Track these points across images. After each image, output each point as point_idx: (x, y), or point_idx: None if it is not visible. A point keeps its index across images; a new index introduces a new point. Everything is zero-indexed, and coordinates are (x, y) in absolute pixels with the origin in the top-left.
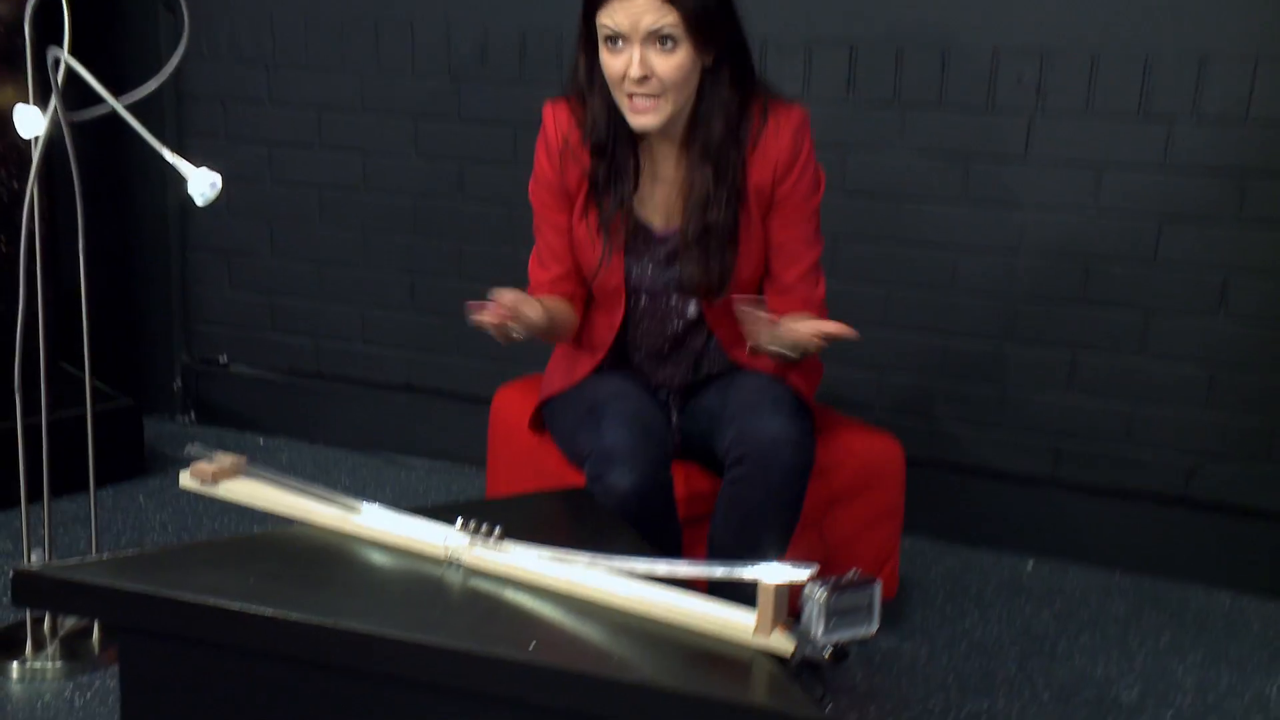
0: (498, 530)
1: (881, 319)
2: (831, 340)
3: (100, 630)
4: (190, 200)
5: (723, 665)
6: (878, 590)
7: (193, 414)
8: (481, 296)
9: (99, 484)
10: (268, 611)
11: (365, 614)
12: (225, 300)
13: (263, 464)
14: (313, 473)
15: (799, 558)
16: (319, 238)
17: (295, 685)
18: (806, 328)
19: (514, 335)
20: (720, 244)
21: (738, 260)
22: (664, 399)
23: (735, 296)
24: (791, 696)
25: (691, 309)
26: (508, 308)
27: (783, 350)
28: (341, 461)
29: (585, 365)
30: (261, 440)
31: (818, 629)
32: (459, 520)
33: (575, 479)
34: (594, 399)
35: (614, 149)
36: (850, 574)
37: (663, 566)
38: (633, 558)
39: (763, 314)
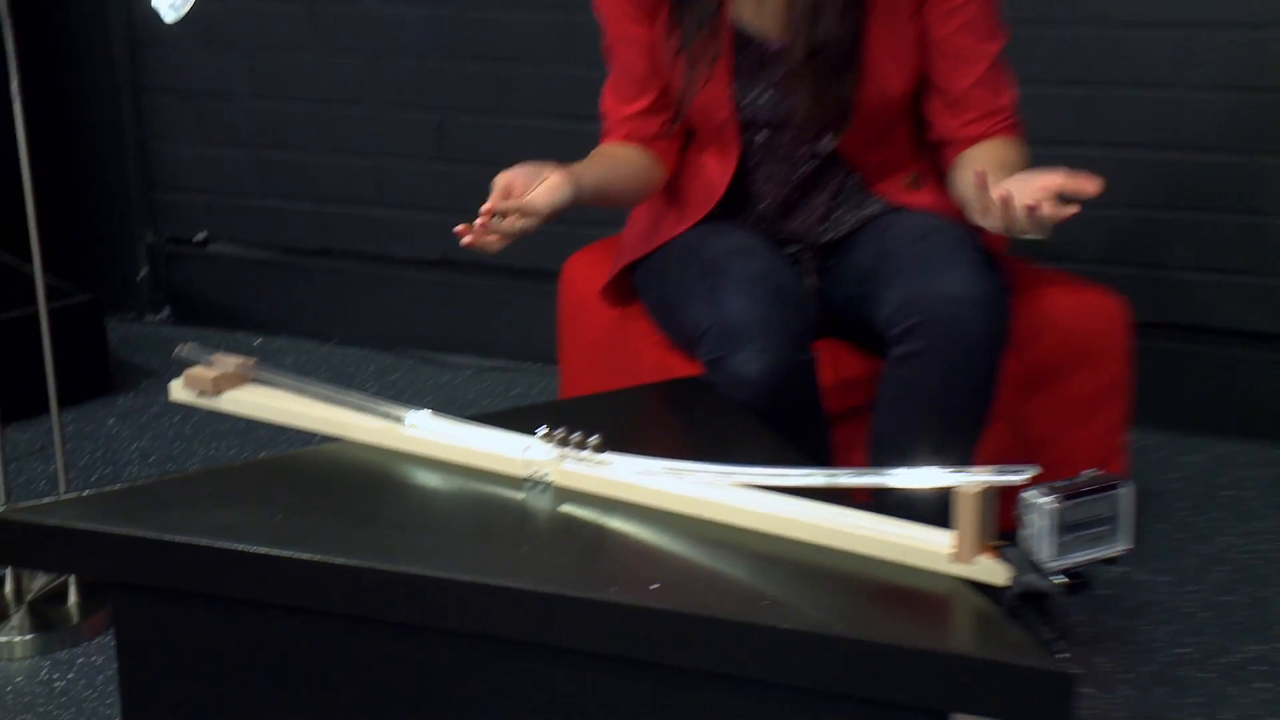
0: (595, 438)
1: (1085, 132)
2: (1071, 198)
3: (79, 591)
4: (143, 23)
5: (911, 603)
6: (1127, 495)
7: (166, 310)
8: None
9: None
10: (304, 556)
11: (429, 555)
12: (197, 158)
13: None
14: (327, 381)
15: (989, 461)
16: (314, 67)
17: (345, 647)
18: (1030, 188)
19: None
20: (835, 65)
21: (865, 80)
22: (795, 258)
23: (975, 171)
24: (1011, 641)
25: (825, 142)
26: (502, 205)
27: (1015, 227)
28: (363, 364)
29: (688, 219)
30: (257, 341)
31: (1046, 549)
32: (542, 427)
33: (682, 368)
34: (708, 256)
35: None
36: (1086, 474)
37: (819, 476)
38: (774, 466)
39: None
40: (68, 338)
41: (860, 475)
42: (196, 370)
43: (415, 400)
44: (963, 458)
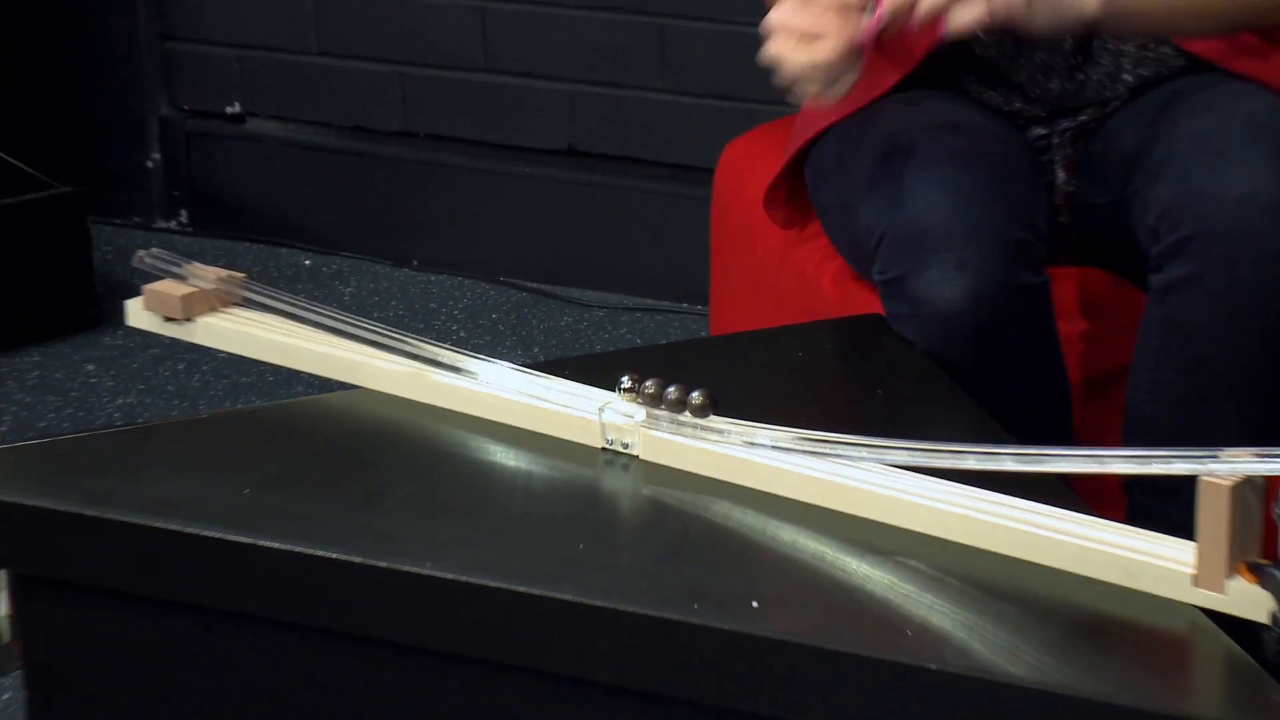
0: (698, 395)
1: None
2: None
3: (12, 599)
4: None
5: (1131, 644)
6: None
7: (183, 214)
8: None
9: (19, 343)
10: (270, 544)
11: (444, 550)
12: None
13: (301, 293)
14: (396, 314)
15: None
16: None
17: (323, 672)
18: None
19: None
20: None
21: None
22: (1040, 145)
23: None
24: (1276, 704)
25: None
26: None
27: None
28: (451, 297)
29: (882, 80)
30: (307, 260)
31: None
32: (625, 378)
33: (872, 303)
34: (893, 132)
35: None
36: None
37: (1031, 463)
38: (961, 444)
39: None
40: (37, 246)
41: (1104, 458)
42: (162, 286)
43: (518, 348)
44: (1242, 436)
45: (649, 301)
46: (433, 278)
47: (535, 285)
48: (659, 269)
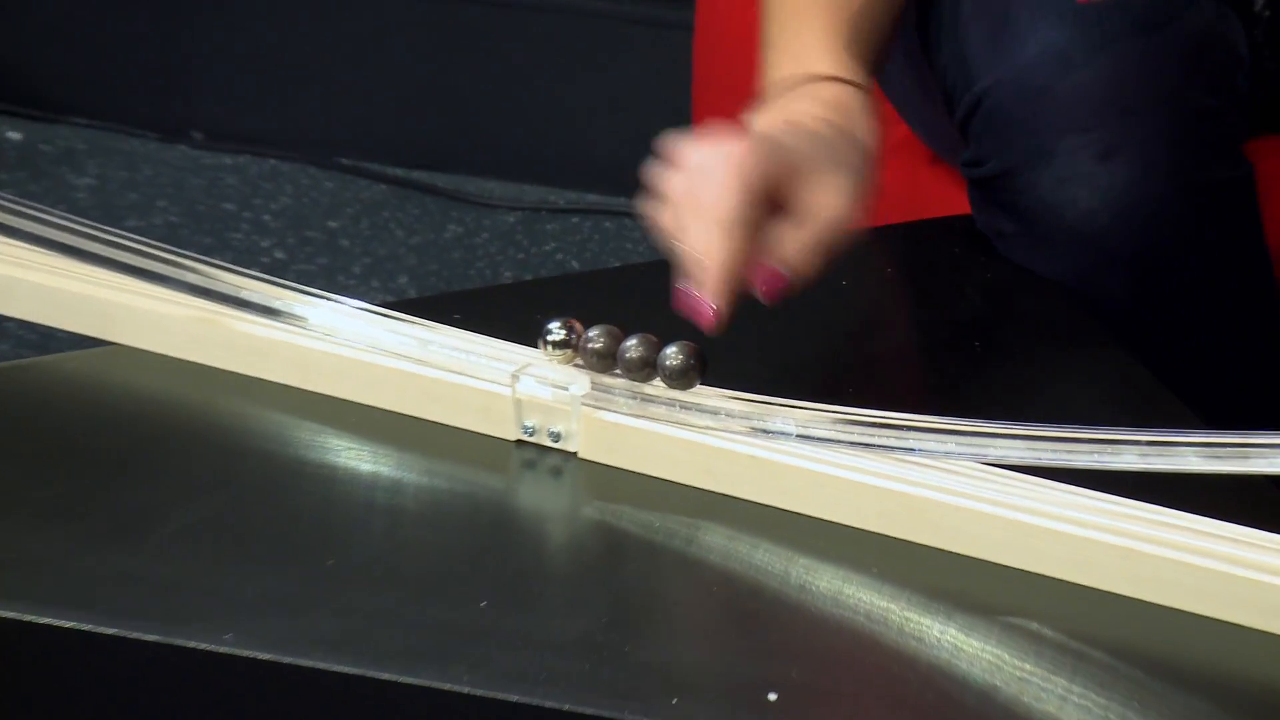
0: (674, 354)
1: None
2: None
3: None
4: None
5: None
6: None
7: None
8: None
9: None
10: None
11: (288, 619)
12: None
13: (7, 187)
14: (167, 220)
15: None
16: None
17: None
18: None
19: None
20: None
21: None
22: None
23: None
24: None
25: None
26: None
27: None
28: (255, 187)
29: None
30: (16, 133)
31: None
32: (553, 328)
33: (946, 197)
34: None
35: None
36: None
37: (1231, 459)
38: (1115, 431)
39: None
40: None
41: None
42: None
43: (371, 277)
44: None
45: (589, 198)
46: (226, 160)
47: (398, 172)
48: (602, 147)
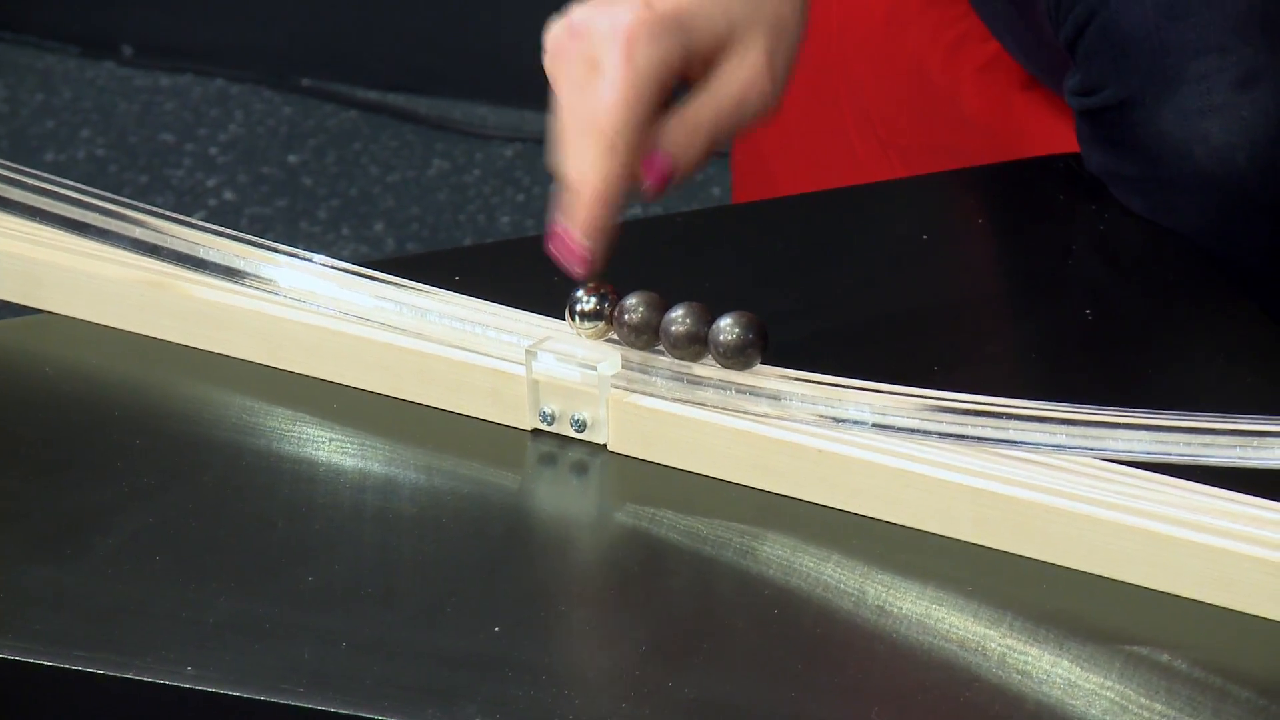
0: (729, 326)
1: None
2: None
3: None
4: None
5: None
6: None
7: None
8: None
9: None
10: None
11: (259, 652)
12: None
13: None
14: (92, 154)
15: None
16: None
17: None
18: None
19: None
20: None
21: None
22: None
23: None
24: None
25: None
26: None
27: None
28: (201, 114)
29: None
30: None
31: None
32: (581, 294)
33: (1049, 130)
34: None
35: None
36: None
37: None
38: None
39: None
40: None
41: None
42: None
43: (342, 224)
44: None
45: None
46: (163, 80)
47: (372, 95)
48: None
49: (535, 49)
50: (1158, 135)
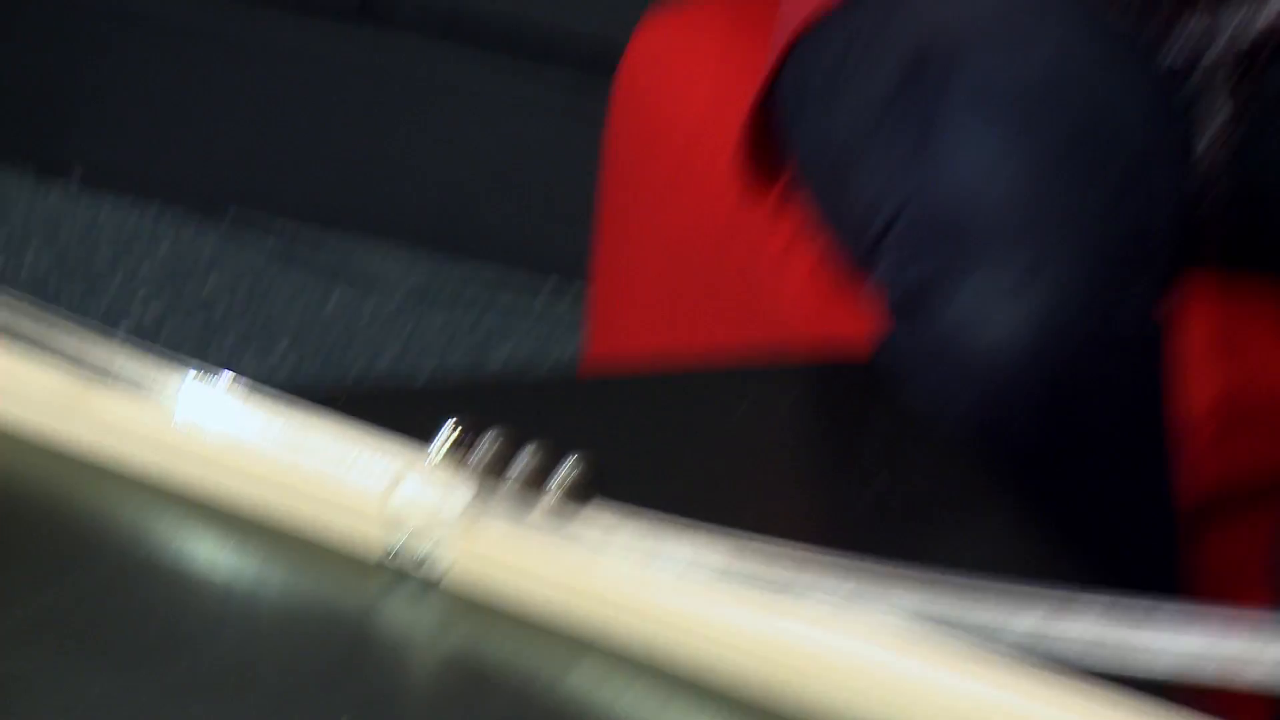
0: (573, 466)
1: None
2: None
3: None
4: None
5: None
6: None
7: None
8: None
9: None
10: None
11: None
12: None
13: None
14: (40, 264)
15: None
16: None
17: None
18: None
19: None
20: None
21: None
22: (1174, 64)
23: None
24: None
25: None
26: None
27: None
28: (134, 235)
29: None
30: None
31: None
32: (447, 428)
33: (851, 324)
34: (935, 31)
35: None
36: None
37: (1080, 621)
38: (1002, 585)
39: None
40: None
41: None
42: None
43: (252, 340)
44: None
45: (488, 271)
46: (107, 207)
47: (289, 228)
48: (507, 218)
49: (427, 197)
50: (946, 324)
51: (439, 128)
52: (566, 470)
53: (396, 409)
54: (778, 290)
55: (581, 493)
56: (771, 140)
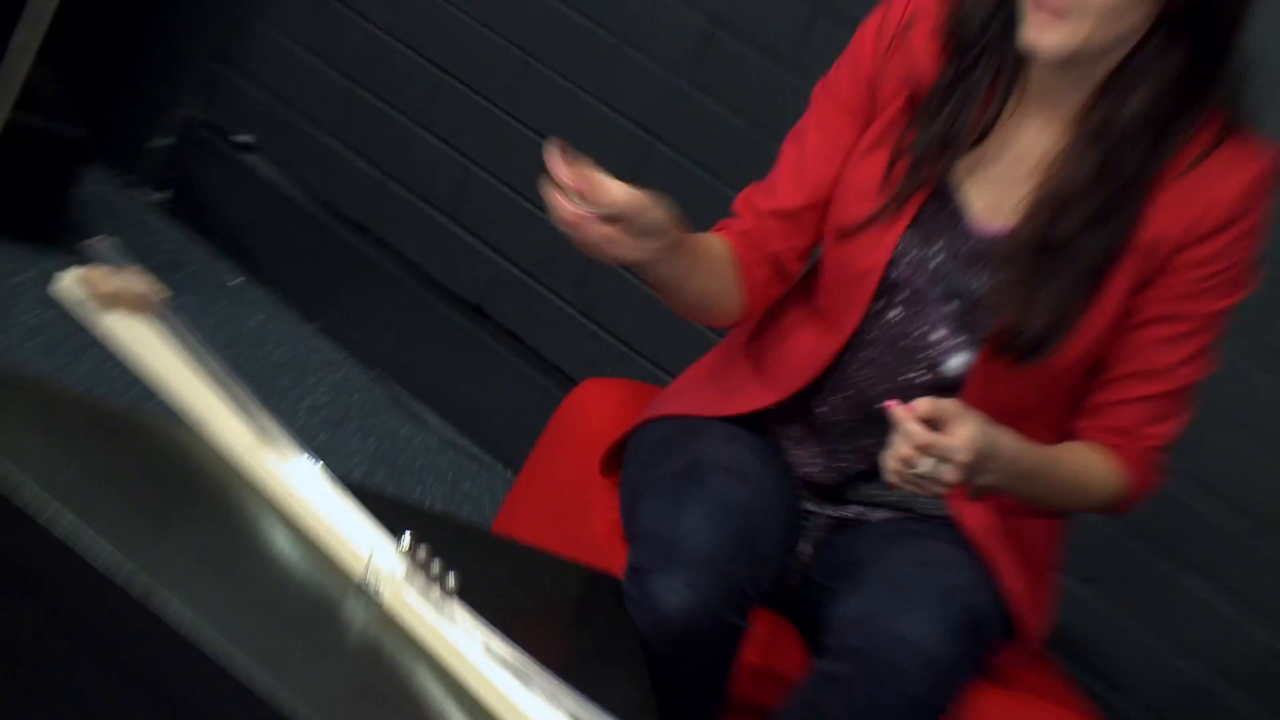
0: (452, 579)
1: None
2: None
3: None
4: None
5: None
6: None
7: (169, 192)
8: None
9: None
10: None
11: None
12: (289, 55)
13: (215, 309)
14: (275, 364)
15: None
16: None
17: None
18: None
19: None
20: (1065, 275)
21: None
22: (806, 511)
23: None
24: None
25: (957, 361)
26: (564, 176)
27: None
28: (329, 366)
29: (754, 396)
30: (237, 280)
31: None
32: (405, 537)
33: (622, 560)
34: (698, 457)
35: (979, 58)
36: None
37: None
38: None
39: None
40: (36, 163)
41: None
42: (99, 272)
43: (353, 433)
44: None
45: (477, 447)
46: (325, 343)
47: (400, 389)
48: (498, 428)
49: None
50: (645, 590)
51: None
52: (451, 580)
53: (395, 514)
54: (595, 525)
55: (453, 592)
56: (618, 462)
